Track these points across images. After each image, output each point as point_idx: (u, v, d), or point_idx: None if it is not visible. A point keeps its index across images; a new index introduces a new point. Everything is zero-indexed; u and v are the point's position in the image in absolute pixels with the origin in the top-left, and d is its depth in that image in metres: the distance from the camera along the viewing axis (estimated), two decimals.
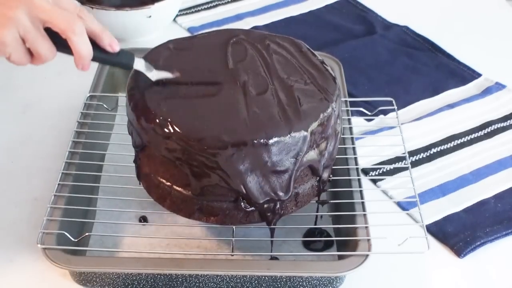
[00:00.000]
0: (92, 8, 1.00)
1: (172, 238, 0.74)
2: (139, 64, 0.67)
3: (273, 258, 0.72)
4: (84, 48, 0.62)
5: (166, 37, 0.74)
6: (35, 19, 0.60)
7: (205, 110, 0.65)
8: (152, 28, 1.07)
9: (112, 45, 0.65)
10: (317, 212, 0.75)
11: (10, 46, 0.59)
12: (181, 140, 0.62)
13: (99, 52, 0.64)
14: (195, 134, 0.62)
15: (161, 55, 0.71)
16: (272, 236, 0.69)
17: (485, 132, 0.91)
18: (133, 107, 0.66)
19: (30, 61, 0.62)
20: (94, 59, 0.64)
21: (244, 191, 0.63)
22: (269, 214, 0.66)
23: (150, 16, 1.02)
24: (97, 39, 0.64)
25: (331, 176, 0.74)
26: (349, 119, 0.84)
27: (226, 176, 0.63)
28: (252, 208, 0.65)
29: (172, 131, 0.63)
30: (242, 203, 0.65)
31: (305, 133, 0.63)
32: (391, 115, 0.92)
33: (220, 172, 0.63)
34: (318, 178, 0.69)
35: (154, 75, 0.67)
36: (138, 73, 0.68)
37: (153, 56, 0.70)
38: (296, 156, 0.64)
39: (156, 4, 1.02)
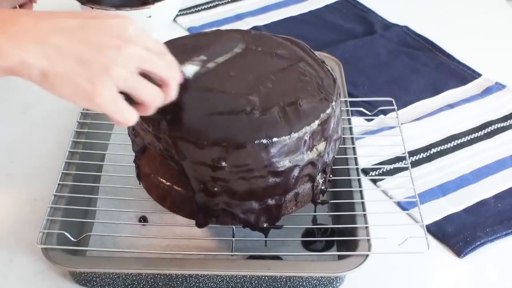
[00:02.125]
0: (92, 8, 1.00)
1: (172, 238, 0.74)
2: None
3: (275, 258, 0.72)
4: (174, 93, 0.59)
5: (166, 37, 0.74)
6: (134, 69, 0.54)
7: (205, 110, 0.65)
8: (152, 28, 1.07)
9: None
10: (314, 211, 0.75)
11: (107, 101, 0.53)
12: (180, 141, 0.62)
13: None
14: (195, 136, 0.62)
15: None
16: (266, 236, 0.69)
17: (485, 132, 0.91)
18: None
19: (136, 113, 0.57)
20: None
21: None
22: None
23: (150, 16, 1.02)
24: None
25: (331, 176, 0.74)
26: (349, 119, 0.85)
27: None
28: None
29: (171, 133, 0.63)
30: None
31: (306, 133, 0.63)
32: (391, 115, 0.92)
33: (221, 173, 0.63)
34: (324, 178, 0.69)
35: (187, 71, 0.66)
36: None
37: None
38: (296, 157, 0.64)
39: (156, 4, 1.02)
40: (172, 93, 0.58)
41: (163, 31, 1.09)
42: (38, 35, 0.53)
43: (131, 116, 0.56)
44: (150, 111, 0.57)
